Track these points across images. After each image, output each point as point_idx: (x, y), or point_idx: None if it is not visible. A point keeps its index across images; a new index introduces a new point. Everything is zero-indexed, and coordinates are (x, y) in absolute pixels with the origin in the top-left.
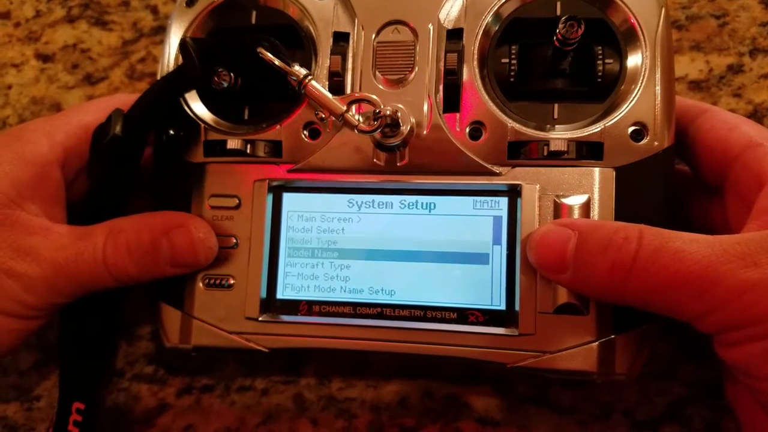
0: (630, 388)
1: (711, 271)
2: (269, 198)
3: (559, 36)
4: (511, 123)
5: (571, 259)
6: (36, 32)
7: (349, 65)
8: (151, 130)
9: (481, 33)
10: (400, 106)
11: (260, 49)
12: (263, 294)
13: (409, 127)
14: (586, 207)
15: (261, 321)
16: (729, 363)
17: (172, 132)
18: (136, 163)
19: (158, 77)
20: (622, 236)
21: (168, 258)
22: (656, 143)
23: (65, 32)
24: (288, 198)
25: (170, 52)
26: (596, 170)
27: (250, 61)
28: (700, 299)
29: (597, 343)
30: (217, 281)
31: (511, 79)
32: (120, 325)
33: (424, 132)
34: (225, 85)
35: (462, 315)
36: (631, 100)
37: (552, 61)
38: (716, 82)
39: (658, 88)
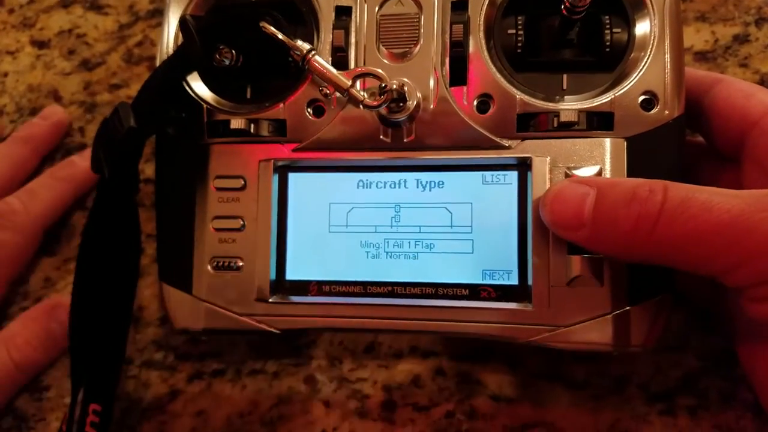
0: (643, 361)
1: (742, 221)
2: (275, 178)
3: (566, 5)
4: (519, 95)
5: (590, 215)
6: (30, 18)
7: (353, 39)
8: (160, 117)
9: (486, 3)
10: (406, 80)
11: (263, 24)
12: (272, 275)
13: (415, 102)
14: None
15: (271, 302)
16: (758, 320)
17: (173, 113)
18: (141, 154)
19: (158, 59)
20: (647, 189)
21: (63, 335)
22: (667, 112)
23: (60, 17)
24: (294, 177)
25: (169, 33)
26: (607, 141)
27: (252, 36)
28: (730, 251)
29: (612, 315)
30: (226, 263)
31: (518, 50)
32: None
33: (431, 106)
34: (227, 62)
35: (474, 291)
36: (641, 69)
37: (559, 31)
38: (722, 53)
39: (667, 56)
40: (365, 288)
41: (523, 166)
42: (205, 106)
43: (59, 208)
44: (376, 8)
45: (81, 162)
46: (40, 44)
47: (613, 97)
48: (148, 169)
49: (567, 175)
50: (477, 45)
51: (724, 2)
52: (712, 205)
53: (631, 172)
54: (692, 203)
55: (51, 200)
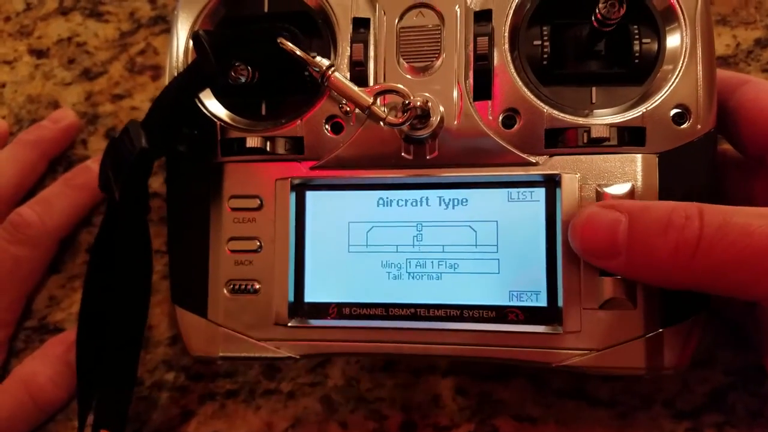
0: (670, 378)
1: None
2: (292, 197)
3: (598, 16)
4: (547, 109)
5: (624, 243)
6: (28, 26)
7: (371, 53)
8: (172, 136)
9: (511, 14)
10: (428, 95)
11: (281, 40)
12: (291, 298)
13: (438, 118)
14: (630, 196)
15: (290, 326)
16: None
17: (185, 131)
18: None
19: (167, 74)
20: (682, 215)
21: None
22: (699, 126)
23: (59, 25)
24: (312, 196)
25: (178, 45)
26: (638, 157)
27: (268, 52)
28: None
29: (645, 338)
30: (242, 287)
31: (544, 62)
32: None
33: (455, 122)
34: (242, 79)
35: (501, 313)
36: (672, 82)
37: (587, 42)
38: (744, 57)
39: (699, 67)
40: (387, 310)
41: (552, 183)
42: (218, 123)
43: (75, 218)
44: (396, 20)
45: (97, 168)
46: (39, 53)
47: (644, 111)
48: (154, 183)
49: (598, 193)
50: (502, 57)
51: (745, 5)
52: (752, 229)
53: (663, 189)
54: (731, 228)
55: (67, 210)
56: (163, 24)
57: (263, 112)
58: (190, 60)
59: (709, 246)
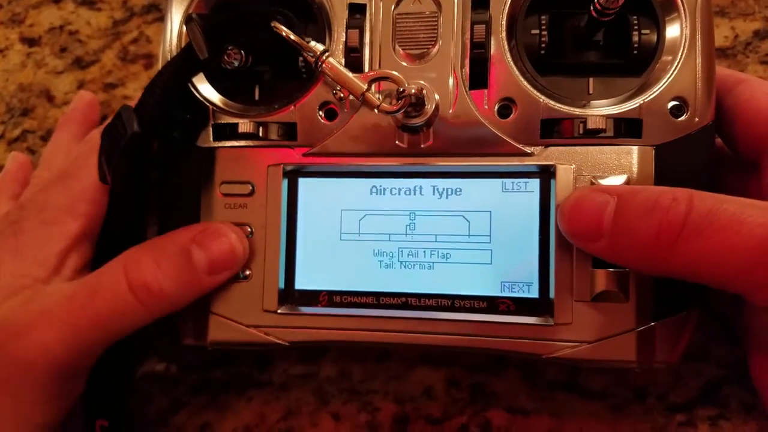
0: (663, 371)
1: None
2: (284, 184)
3: (597, 6)
4: (543, 99)
5: (609, 225)
6: (20, 14)
7: (367, 39)
8: (165, 120)
9: (509, 2)
10: (424, 83)
11: (275, 24)
12: (281, 285)
13: (433, 106)
14: None
15: (280, 313)
16: None
17: (178, 115)
18: (146, 158)
19: (160, 59)
20: (670, 197)
21: (205, 265)
22: (697, 119)
23: (51, 13)
24: (304, 183)
25: (172, 29)
26: (635, 149)
27: (262, 36)
28: (761, 269)
29: (637, 331)
30: None
31: (542, 52)
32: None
33: (450, 110)
34: (236, 64)
35: (492, 304)
36: (671, 74)
37: (585, 32)
38: (742, 49)
39: (698, 60)
40: (378, 299)
41: (546, 174)
42: (211, 108)
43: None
44: (392, 6)
45: None
46: (30, 41)
47: (641, 102)
48: None
49: (593, 184)
50: (499, 46)
51: None
52: (744, 218)
53: (659, 182)
54: (720, 215)
55: None
56: (156, 12)
57: (256, 97)
58: (183, 44)
59: (695, 231)
